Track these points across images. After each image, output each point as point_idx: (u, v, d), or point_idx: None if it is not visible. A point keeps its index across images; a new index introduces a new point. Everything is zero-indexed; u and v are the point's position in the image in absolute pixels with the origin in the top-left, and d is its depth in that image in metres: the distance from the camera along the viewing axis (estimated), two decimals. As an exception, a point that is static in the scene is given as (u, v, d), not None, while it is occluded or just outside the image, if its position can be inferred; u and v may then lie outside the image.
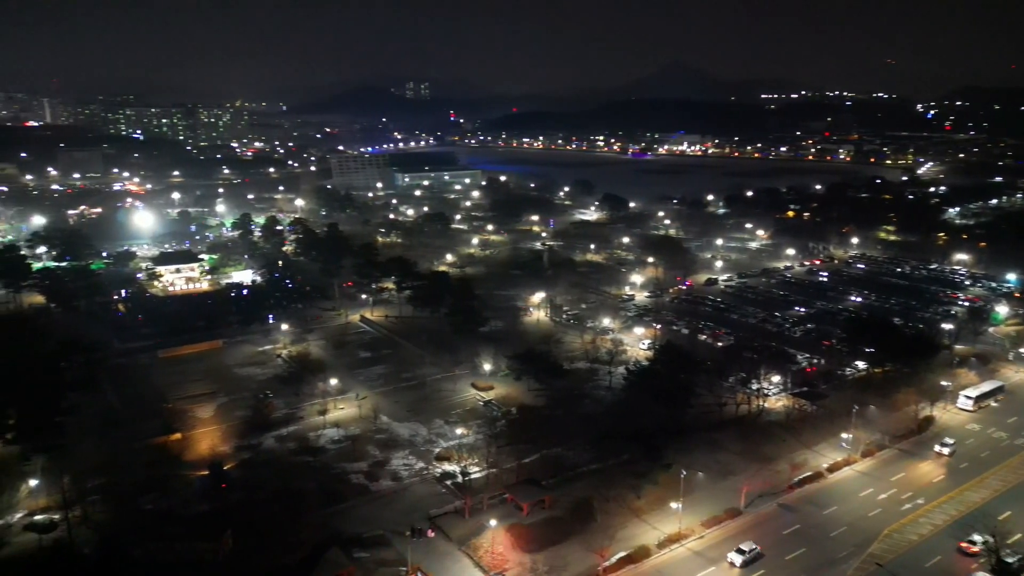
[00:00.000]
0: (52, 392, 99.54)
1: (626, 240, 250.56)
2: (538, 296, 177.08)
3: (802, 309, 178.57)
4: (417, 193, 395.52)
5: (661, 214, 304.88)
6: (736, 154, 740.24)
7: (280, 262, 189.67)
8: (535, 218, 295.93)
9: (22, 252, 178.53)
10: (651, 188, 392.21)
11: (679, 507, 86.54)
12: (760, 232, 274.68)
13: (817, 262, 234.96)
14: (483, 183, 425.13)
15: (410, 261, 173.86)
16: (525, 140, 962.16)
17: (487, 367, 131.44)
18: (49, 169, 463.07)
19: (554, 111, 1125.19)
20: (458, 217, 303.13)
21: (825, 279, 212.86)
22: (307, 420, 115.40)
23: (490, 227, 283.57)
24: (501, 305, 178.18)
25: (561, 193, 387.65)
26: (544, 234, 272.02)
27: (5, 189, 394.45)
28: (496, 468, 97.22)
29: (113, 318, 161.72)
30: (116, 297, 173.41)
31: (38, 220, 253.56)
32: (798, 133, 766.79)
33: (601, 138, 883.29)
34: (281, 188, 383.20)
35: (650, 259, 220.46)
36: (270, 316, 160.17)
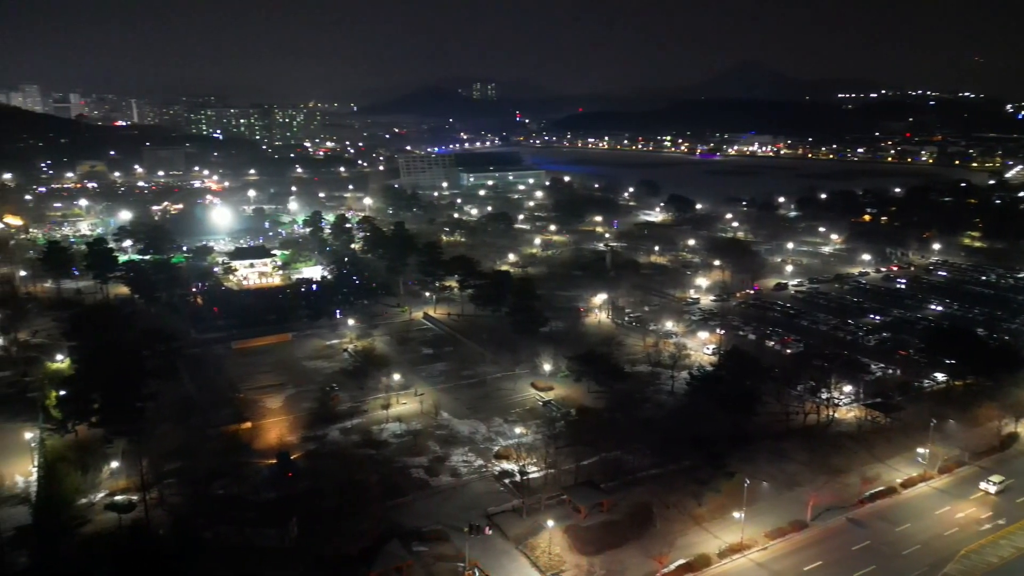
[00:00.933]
0: (134, 379, 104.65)
1: (692, 242, 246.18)
2: (600, 297, 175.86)
3: (877, 317, 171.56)
4: (481, 193, 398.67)
5: (729, 216, 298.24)
6: (810, 155, 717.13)
7: (348, 259, 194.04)
8: (598, 219, 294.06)
9: (109, 245, 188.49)
10: (719, 189, 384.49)
11: (742, 516, 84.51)
12: (834, 236, 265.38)
13: (895, 268, 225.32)
14: (547, 183, 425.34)
15: (473, 260, 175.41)
16: (590, 140, 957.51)
17: (547, 367, 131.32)
18: (135, 166, 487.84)
19: (620, 111, 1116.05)
20: (521, 217, 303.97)
21: (903, 286, 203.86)
22: (370, 414, 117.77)
23: (553, 227, 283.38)
24: (562, 306, 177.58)
25: (625, 194, 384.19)
26: (607, 235, 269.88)
27: (95, 185, 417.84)
28: (554, 469, 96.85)
29: (191, 310, 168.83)
30: (194, 290, 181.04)
31: (125, 215, 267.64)
32: (876, 134, 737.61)
33: (668, 138, 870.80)
34: (351, 187, 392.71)
35: (716, 262, 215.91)
36: (337, 311, 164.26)
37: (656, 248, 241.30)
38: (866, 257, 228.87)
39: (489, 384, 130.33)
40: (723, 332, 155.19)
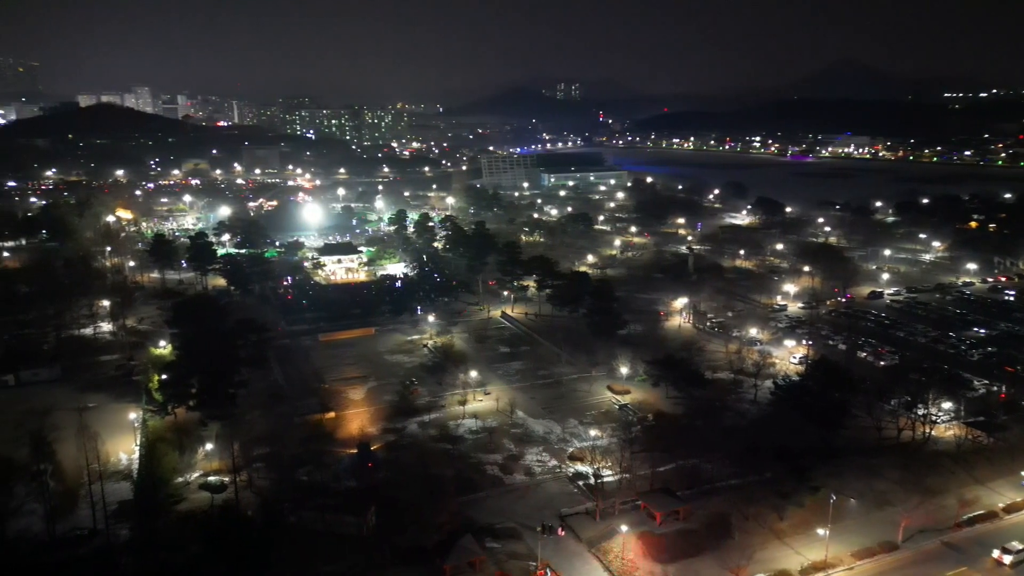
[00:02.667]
0: (228, 366, 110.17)
1: (780, 247, 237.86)
2: (681, 301, 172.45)
3: (982, 330, 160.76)
4: (562, 193, 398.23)
5: (821, 220, 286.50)
6: (911, 157, 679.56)
7: (429, 257, 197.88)
8: (681, 221, 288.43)
9: (209, 239, 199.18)
10: (811, 192, 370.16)
11: (826, 533, 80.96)
12: (935, 243, 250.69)
13: (1003, 279, 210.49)
14: (628, 184, 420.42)
15: (551, 260, 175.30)
16: (675, 141, 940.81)
17: (624, 371, 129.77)
18: (235, 164, 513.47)
19: (707, 111, 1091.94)
20: (601, 218, 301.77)
21: (1011, 298, 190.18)
22: (448, 409, 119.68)
23: (633, 229, 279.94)
24: (641, 309, 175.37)
25: (711, 196, 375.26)
26: (690, 237, 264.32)
27: (198, 182, 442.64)
28: (629, 474, 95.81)
29: (282, 302, 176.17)
30: (285, 283, 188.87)
31: (224, 211, 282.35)
32: (986, 136, 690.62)
33: (758, 139, 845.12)
34: (434, 186, 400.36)
35: (806, 268, 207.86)
36: (418, 308, 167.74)
37: (741, 252, 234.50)
38: (971, 266, 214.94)
39: (564, 385, 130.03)
40: (811, 341, 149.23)
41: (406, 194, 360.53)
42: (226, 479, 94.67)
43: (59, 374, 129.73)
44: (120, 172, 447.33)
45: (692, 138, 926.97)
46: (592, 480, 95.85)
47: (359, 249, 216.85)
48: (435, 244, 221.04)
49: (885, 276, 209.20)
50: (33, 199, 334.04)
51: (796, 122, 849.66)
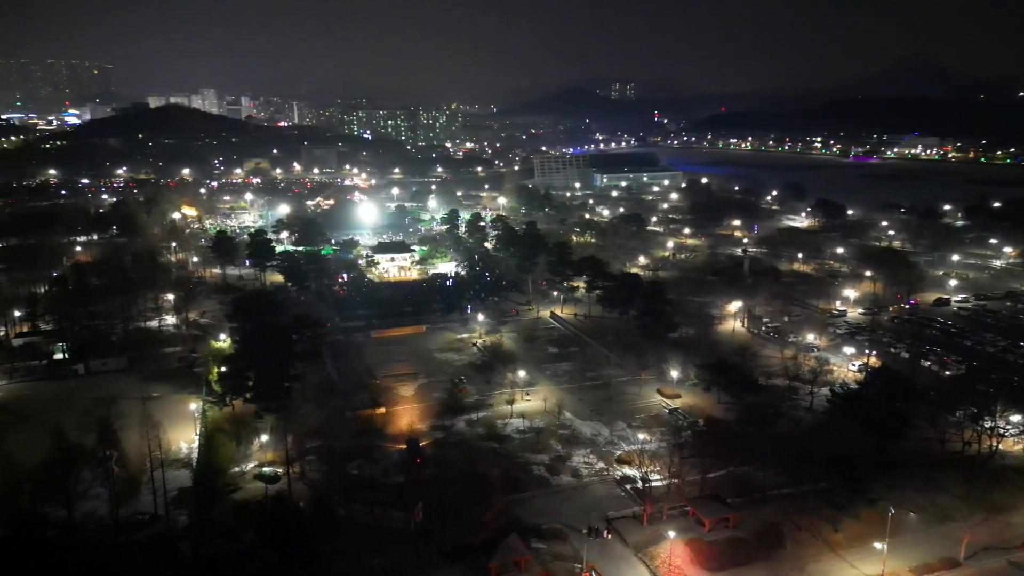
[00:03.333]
0: (283, 360, 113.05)
1: (840, 250, 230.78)
2: (735, 305, 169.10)
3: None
4: (614, 194, 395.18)
5: (884, 224, 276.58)
6: (982, 159, 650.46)
7: (480, 256, 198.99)
8: (736, 223, 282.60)
9: (268, 236, 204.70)
10: (875, 195, 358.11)
11: (883, 547, 78.25)
12: (1007, 249, 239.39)
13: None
14: (683, 185, 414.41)
15: (602, 261, 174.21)
16: (732, 141, 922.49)
17: (674, 374, 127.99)
18: (294, 164, 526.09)
19: (766, 110, 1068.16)
20: (654, 219, 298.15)
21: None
22: (495, 408, 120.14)
23: (687, 230, 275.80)
24: (694, 312, 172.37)
25: (768, 197, 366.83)
26: (745, 240, 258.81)
27: (259, 180, 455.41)
28: (678, 479, 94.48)
29: (336, 299, 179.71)
30: (340, 280, 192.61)
31: (283, 209, 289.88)
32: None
33: (819, 139, 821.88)
34: (486, 186, 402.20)
35: (868, 273, 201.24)
36: (468, 307, 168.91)
37: (799, 255, 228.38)
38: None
39: (613, 387, 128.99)
40: (872, 348, 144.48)
41: (459, 194, 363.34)
42: (280, 470, 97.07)
43: (125, 364, 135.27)
44: (186, 170, 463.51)
45: (750, 138, 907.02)
46: (640, 484, 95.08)
47: (412, 248, 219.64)
48: (486, 244, 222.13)
49: (952, 282, 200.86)
50: (105, 196, 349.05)
51: (860, 122, 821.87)
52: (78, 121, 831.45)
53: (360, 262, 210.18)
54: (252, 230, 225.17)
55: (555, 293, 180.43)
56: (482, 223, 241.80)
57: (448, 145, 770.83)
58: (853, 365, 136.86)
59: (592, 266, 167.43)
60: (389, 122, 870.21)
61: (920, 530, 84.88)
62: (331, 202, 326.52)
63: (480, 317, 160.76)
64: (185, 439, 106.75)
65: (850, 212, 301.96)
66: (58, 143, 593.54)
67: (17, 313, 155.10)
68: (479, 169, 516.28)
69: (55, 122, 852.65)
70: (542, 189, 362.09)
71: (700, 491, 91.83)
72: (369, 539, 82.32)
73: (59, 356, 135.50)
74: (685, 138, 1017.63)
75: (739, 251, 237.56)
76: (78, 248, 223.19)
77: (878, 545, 78.71)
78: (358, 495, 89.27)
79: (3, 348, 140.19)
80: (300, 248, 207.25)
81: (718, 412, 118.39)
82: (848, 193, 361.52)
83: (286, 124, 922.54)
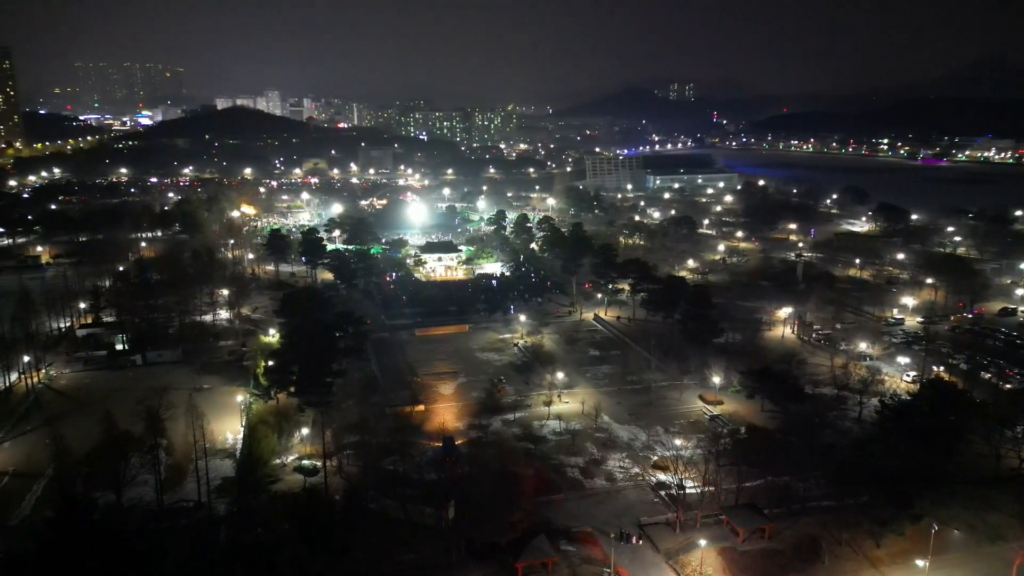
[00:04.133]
0: (326, 356, 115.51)
1: (900, 256, 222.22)
2: (785, 311, 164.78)
3: None
4: (666, 196, 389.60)
5: (950, 229, 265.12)
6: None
7: (525, 257, 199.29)
8: (792, 226, 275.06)
9: (319, 235, 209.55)
10: (942, 199, 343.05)
11: (926, 565, 75.26)
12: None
13: None
14: (738, 187, 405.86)
15: (647, 264, 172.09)
16: (794, 142, 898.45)
17: (716, 380, 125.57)
18: (351, 164, 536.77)
19: (830, 111, 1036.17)
20: (706, 222, 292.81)
21: None
22: (533, 409, 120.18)
23: (740, 234, 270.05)
24: (742, 317, 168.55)
25: (827, 201, 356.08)
26: (800, 244, 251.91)
27: (316, 180, 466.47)
28: (714, 487, 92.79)
29: (384, 297, 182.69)
30: (388, 279, 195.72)
31: (336, 208, 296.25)
32: None
33: (886, 141, 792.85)
34: (536, 187, 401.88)
35: (928, 280, 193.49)
36: (511, 307, 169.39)
37: (857, 261, 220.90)
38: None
39: (653, 392, 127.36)
40: (930, 359, 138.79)
41: (509, 195, 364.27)
42: (318, 463, 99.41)
43: (180, 356, 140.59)
44: (248, 170, 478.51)
45: (812, 140, 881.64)
46: (674, 491, 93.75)
47: (458, 248, 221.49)
48: (532, 245, 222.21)
49: (1020, 292, 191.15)
50: (171, 194, 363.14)
51: (931, 123, 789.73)
52: (150, 122, 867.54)
53: (408, 261, 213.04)
54: (305, 228, 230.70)
55: (599, 295, 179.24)
56: (528, 224, 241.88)
57: (502, 146, 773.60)
58: (907, 376, 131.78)
59: (637, 268, 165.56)
60: (444, 123, 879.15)
61: (968, 549, 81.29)
62: (383, 202, 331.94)
63: (522, 318, 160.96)
64: (231, 430, 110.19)
65: (914, 217, 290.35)
66: (130, 143, 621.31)
67: (82, 305, 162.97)
68: (531, 170, 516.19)
69: (129, 123, 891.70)
70: (592, 190, 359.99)
71: (736, 500, 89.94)
72: (400, 534, 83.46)
73: (119, 347, 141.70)
74: (744, 139, 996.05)
75: (793, 256, 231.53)
76: (143, 244, 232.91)
77: (920, 563, 75.80)
78: (391, 491, 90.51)
79: (68, 338, 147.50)
80: (350, 247, 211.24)
81: (761, 420, 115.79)
82: (913, 197, 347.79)
83: (346, 125, 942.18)
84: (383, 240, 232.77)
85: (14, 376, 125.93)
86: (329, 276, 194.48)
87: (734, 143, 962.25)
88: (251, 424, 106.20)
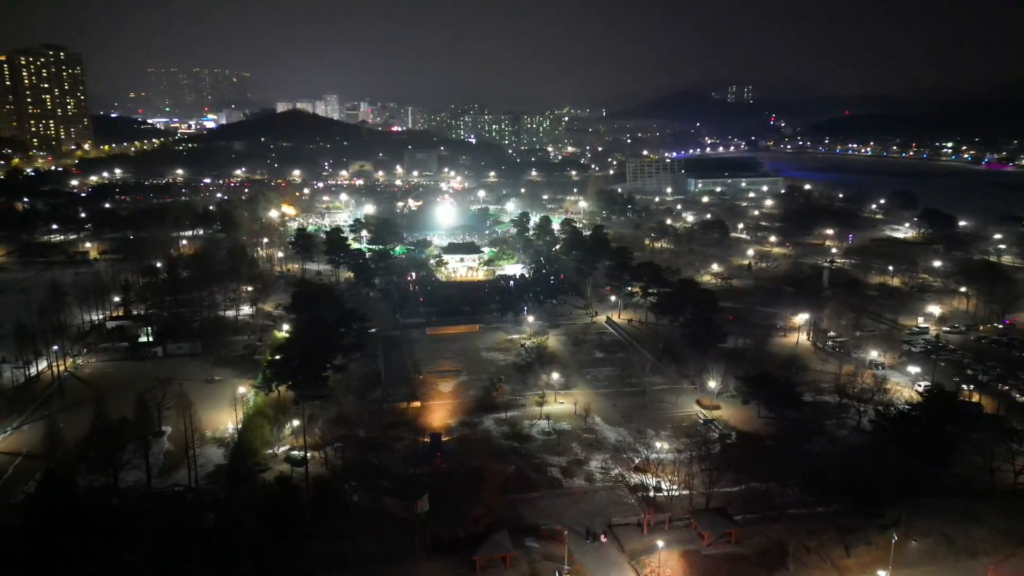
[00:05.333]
0: (324, 352, 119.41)
1: (937, 264, 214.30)
2: (802, 317, 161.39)
3: None
4: (705, 199, 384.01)
5: (998, 237, 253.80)
6: None
7: (544, 259, 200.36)
8: (829, 232, 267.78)
9: (344, 235, 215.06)
10: (999, 205, 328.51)
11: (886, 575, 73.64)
12: None
13: None
14: (782, 191, 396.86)
15: (659, 267, 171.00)
16: (852, 146, 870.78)
17: (712, 384, 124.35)
18: (397, 167, 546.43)
19: (893, 114, 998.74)
20: (740, 226, 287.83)
21: None
22: (526, 408, 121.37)
23: (773, 238, 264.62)
24: (758, 322, 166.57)
25: (873, 206, 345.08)
26: (834, 250, 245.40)
27: (361, 182, 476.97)
28: (693, 490, 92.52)
29: (401, 295, 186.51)
30: (409, 278, 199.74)
31: (368, 208, 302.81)
32: None
33: (949, 145, 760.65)
34: (575, 190, 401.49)
35: (962, 288, 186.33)
36: (524, 308, 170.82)
37: (890, 268, 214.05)
38: None
39: (651, 395, 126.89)
40: (946, 368, 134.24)
41: (545, 197, 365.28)
42: (308, 454, 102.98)
43: (199, 349, 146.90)
44: (297, 172, 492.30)
45: (872, 143, 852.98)
46: (651, 493, 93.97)
47: (481, 249, 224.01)
48: (556, 247, 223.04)
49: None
50: (219, 194, 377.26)
51: (1000, 127, 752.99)
52: (214, 125, 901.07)
53: (431, 262, 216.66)
54: (343, 228, 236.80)
55: (613, 298, 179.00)
56: (552, 226, 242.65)
57: (549, 149, 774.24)
58: (918, 385, 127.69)
59: (649, 272, 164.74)
60: (494, 127, 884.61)
61: (937, 562, 79.00)
62: (419, 203, 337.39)
63: (530, 319, 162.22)
64: (233, 420, 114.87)
65: (962, 223, 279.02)
66: (189, 145, 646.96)
67: (116, 299, 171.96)
68: (573, 173, 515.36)
69: (194, 126, 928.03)
70: (627, 193, 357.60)
71: (707, 504, 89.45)
72: (373, 525, 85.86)
73: (143, 339, 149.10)
74: (800, 143, 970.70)
75: (825, 261, 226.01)
76: (183, 242, 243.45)
77: (882, 573, 74.16)
78: (370, 483, 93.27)
79: (98, 330, 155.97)
80: (374, 247, 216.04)
81: (755, 426, 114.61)
82: (966, 202, 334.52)
83: (399, 129, 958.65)
84: (409, 240, 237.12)
85: (43, 364, 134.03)
86: (351, 275, 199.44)
87: (789, 146, 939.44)
88: (248, 415, 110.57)
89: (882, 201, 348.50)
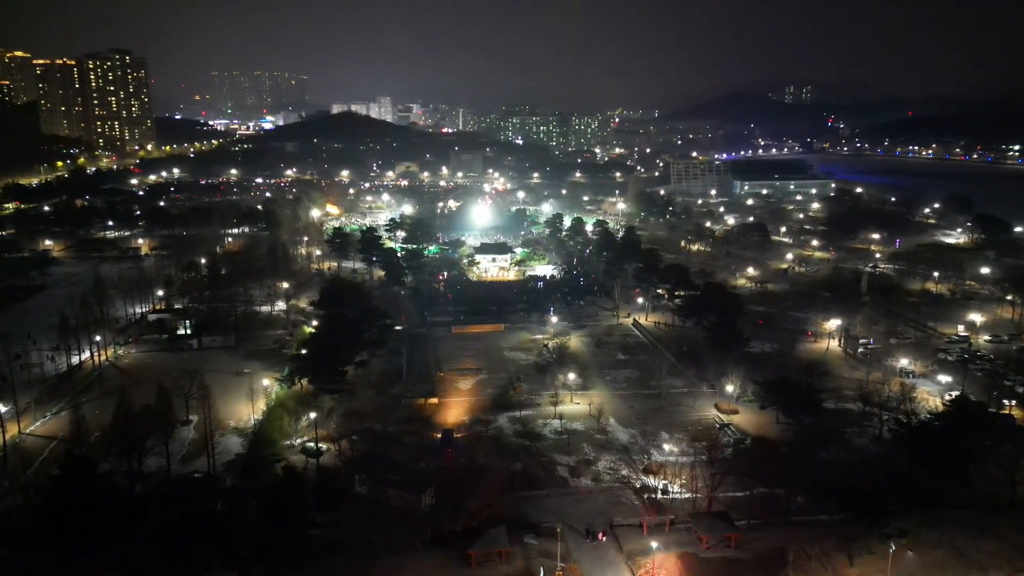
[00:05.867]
0: (345, 347, 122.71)
1: (985, 271, 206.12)
2: (833, 323, 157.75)
3: None
4: (750, 202, 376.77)
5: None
6: None
7: (575, 260, 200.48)
8: (875, 236, 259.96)
9: (378, 234, 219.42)
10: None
11: (884, 587, 71.97)
12: None
13: None
14: (831, 194, 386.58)
15: (687, 269, 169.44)
16: (914, 148, 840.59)
17: (729, 389, 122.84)
18: (443, 168, 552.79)
19: (958, 115, 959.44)
20: (783, 229, 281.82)
21: None
22: (542, 408, 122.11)
23: (815, 242, 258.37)
24: (789, 327, 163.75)
25: (927, 210, 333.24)
26: (878, 255, 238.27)
27: (407, 183, 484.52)
28: (698, 494, 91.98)
29: (432, 295, 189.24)
30: (440, 277, 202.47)
31: (407, 209, 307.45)
32: None
33: (1016, 148, 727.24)
34: (616, 192, 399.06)
35: (1009, 296, 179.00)
36: (551, 308, 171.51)
37: (936, 274, 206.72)
38: None
39: (669, 398, 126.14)
40: (983, 379, 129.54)
41: (585, 198, 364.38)
42: (324, 446, 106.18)
43: (233, 342, 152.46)
44: (345, 172, 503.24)
45: (934, 145, 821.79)
46: (657, 495, 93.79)
47: (512, 249, 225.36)
48: (588, 248, 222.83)
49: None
50: (268, 194, 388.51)
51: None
52: (271, 126, 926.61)
53: (464, 261, 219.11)
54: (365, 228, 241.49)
55: (639, 300, 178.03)
56: (586, 227, 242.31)
57: (597, 150, 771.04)
58: (949, 395, 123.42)
59: (676, 274, 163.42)
60: (541, 128, 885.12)
61: (950, 573, 76.69)
62: (459, 204, 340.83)
63: (553, 319, 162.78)
64: (257, 412, 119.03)
65: (1018, 229, 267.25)
66: (244, 146, 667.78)
67: (160, 293, 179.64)
68: (617, 175, 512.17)
69: (252, 127, 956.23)
70: (667, 195, 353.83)
71: (708, 508, 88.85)
72: (377, 516, 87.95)
73: (180, 332, 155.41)
74: (859, 144, 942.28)
75: (867, 266, 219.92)
76: (228, 239, 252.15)
77: (880, 584, 72.58)
78: (378, 475, 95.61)
79: (140, 322, 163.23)
80: (407, 246, 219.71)
81: (772, 432, 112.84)
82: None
83: (449, 130, 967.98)
84: (443, 240, 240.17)
85: (85, 355, 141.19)
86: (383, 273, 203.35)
87: (846, 148, 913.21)
88: (269, 407, 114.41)
89: (936, 205, 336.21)
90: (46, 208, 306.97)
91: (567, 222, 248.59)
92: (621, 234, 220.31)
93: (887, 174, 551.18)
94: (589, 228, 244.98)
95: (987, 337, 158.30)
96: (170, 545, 67.82)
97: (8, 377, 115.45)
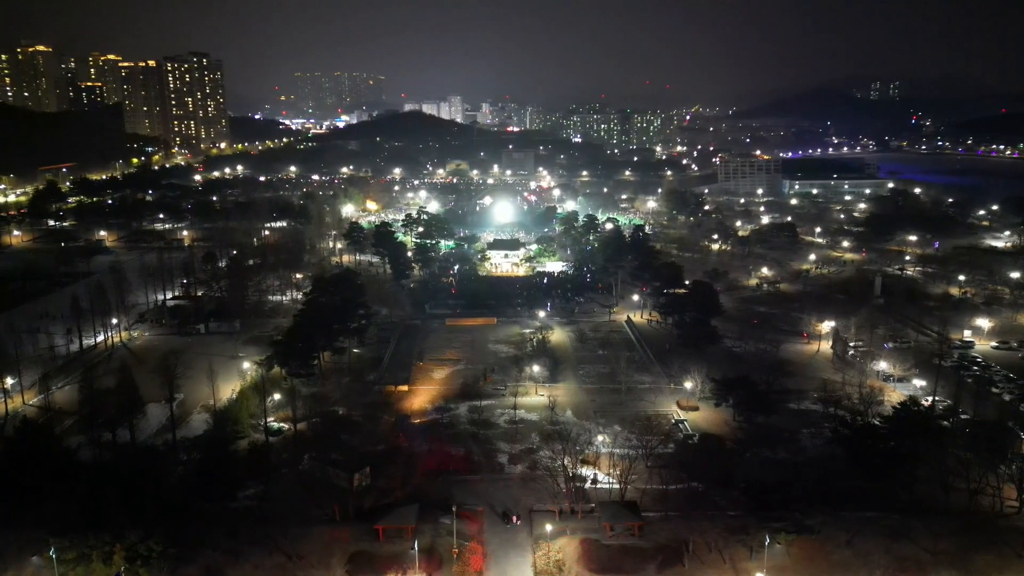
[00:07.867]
0: (318, 335, 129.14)
1: (1015, 275, 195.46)
2: (827, 324, 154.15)
3: None
4: (794, 201, 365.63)
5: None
6: None
7: (583, 257, 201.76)
8: (912, 238, 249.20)
9: (392, 229, 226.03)
10: None
11: (761, 580, 72.24)
12: None
13: None
14: (885, 194, 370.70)
15: (680, 268, 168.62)
16: (998, 147, 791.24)
17: (688, 385, 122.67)
18: (495, 166, 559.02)
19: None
20: (818, 230, 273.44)
21: None
22: (503, 398, 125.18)
23: (845, 243, 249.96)
24: (786, 328, 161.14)
25: (982, 212, 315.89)
26: (908, 257, 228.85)
27: (456, 180, 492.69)
28: (627, 485, 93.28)
29: (437, 288, 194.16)
30: (451, 272, 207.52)
31: (433, 205, 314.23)
32: None
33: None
34: (659, 190, 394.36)
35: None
36: (548, 304, 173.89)
37: (961, 277, 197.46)
38: None
39: (633, 393, 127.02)
40: (970, 383, 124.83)
41: (623, 196, 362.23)
42: (283, 426, 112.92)
43: (238, 328, 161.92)
44: (397, 170, 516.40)
45: (1022, 145, 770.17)
46: (587, 484, 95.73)
47: (524, 246, 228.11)
48: (594, 246, 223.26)
49: None
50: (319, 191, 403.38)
51: None
52: (342, 124, 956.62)
53: (477, 257, 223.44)
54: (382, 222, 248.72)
55: (635, 297, 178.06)
56: (596, 225, 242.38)
57: (657, 148, 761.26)
58: (927, 400, 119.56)
59: (668, 272, 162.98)
60: (602, 126, 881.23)
61: (839, 572, 76.13)
62: (490, 200, 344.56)
63: (540, 314, 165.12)
64: (235, 393, 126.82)
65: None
66: (309, 144, 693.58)
67: (184, 281, 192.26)
68: (668, 173, 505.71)
69: (325, 126, 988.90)
70: (709, 194, 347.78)
71: (622, 497, 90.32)
72: (314, 492, 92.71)
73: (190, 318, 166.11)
74: (940, 143, 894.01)
75: (893, 268, 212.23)
76: (265, 232, 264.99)
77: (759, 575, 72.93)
78: (323, 454, 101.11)
79: (158, 308, 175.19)
80: (421, 241, 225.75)
81: (725, 430, 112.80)
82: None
83: (515, 129, 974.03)
84: (460, 235, 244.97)
85: (100, 337, 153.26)
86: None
87: (924, 147, 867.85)
88: (241, 389, 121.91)
89: (994, 208, 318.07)
90: (109, 202, 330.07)
91: (595, 220, 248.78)
92: (630, 232, 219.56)
93: (960, 174, 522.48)
94: (609, 227, 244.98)
95: (994, 343, 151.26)
96: (90, 504, 75.00)
97: (16, 354, 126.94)
